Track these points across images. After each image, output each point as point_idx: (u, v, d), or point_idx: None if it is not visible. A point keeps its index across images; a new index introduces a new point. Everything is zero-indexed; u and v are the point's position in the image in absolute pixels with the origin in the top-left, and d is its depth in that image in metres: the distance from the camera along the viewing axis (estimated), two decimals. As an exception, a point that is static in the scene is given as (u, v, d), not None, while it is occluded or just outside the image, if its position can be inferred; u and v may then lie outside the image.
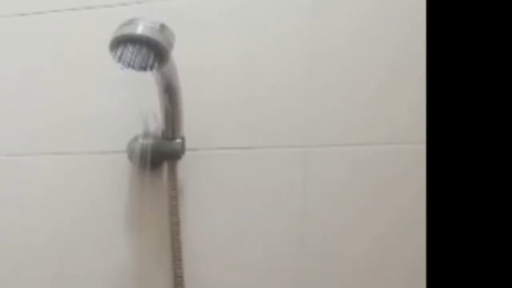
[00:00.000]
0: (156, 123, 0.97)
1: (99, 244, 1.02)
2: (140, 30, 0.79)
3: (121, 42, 0.79)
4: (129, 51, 0.79)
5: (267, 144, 0.96)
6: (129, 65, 0.80)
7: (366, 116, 0.93)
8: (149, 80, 0.88)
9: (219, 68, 0.98)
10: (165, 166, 0.99)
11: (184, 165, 0.98)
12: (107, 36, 0.80)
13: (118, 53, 0.79)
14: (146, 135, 0.97)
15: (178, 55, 0.85)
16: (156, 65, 0.81)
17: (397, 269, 0.93)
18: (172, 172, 0.97)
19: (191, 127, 0.97)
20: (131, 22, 0.81)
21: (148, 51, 0.79)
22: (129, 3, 1.00)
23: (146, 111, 0.97)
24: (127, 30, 0.79)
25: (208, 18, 0.98)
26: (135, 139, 0.97)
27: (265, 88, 0.96)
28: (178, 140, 0.95)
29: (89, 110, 1.02)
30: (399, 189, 0.92)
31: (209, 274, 0.99)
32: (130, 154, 0.97)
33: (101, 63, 0.85)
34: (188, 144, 0.96)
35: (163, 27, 0.81)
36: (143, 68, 0.80)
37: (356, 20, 0.93)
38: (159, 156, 0.97)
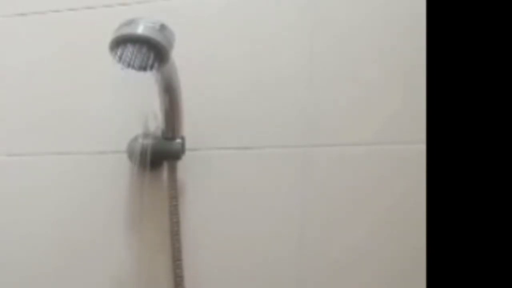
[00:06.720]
0: (156, 123, 0.97)
1: (99, 244, 1.02)
2: (140, 30, 0.79)
3: (121, 42, 0.79)
4: (129, 51, 0.79)
5: (267, 144, 0.97)
6: (129, 65, 0.80)
7: (366, 116, 0.93)
8: (149, 80, 0.88)
9: (219, 68, 0.98)
10: (165, 166, 0.99)
11: (184, 165, 0.98)
12: (107, 36, 0.80)
13: (118, 53, 0.79)
14: (146, 135, 0.97)
15: (178, 55, 0.85)
16: (156, 65, 0.80)
17: (398, 270, 0.93)
18: (172, 172, 0.97)
19: (191, 127, 0.97)
20: (131, 22, 0.81)
21: (148, 51, 0.79)
22: (129, 3, 1.00)
23: (146, 111, 0.97)
24: (127, 30, 0.79)
25: (208, 18, 0.98)
26: (135, 139, 0.97)
27: (265, 88, 0.96)
28: (178, 140, 0.95)
29: (89, 110, 1.02)
30: (399, 189, 0.92)
31: (209, 274, 0.99)
32: (130, 154, 0.97)
33: (101, 63, 0.85)
34: (188, 144, 0.96)
35: (163, 27, 0.81)
36: (143, 68, 0.80)
37: (356, 19, 0.93)
38: (159, 156, 0.97)
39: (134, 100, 0.95)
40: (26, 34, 1.05)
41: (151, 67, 0.80)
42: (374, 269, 0.93)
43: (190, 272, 0.98)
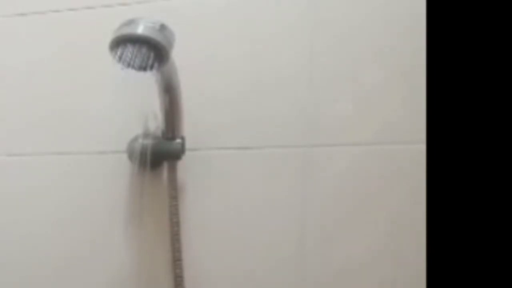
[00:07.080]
0: (156, 123, 0.97)
1: (99, 244, 1.02)
2: (140, 30, 0.79)
3: (121, 42, 0.79)
4: (129, 51, 0.79)
5: (267, 144, 0.97)
6: (129, 65, 0.80)
7: (367, 116, 0.93)
8: (149, 80, 0.88)
9: (219, 68, 0.98)
10: (165, 166, 0.99)
11: (184, 165, 0.98)
12: (107, 36, 0.80)
13: (118, 53, 0.79)
14: (146, 135, 0.97)
15: (178, 55, 0.85)
16: (156, 65, 0.81)
17: (398, 269, 0.93)
18: (172, 172, 0.97)
19: (191, 127, 0.97)
20: (131, 22, 0.81)
21: (148, 51, 0.79)
22: (129, 3, 1.00)
23: (146, 111, 0.97)
24: (127, 30, 0.79)
25: (208, 18, 0.98)
26: (135, 139, 0.97)
27: (265, 88, 0.96)
28: (178, 140, 0.95)
29: (89, 110, 1.02)
30: (399, 189, 0.92)
31: (209, 274, 0.99)
32: (130, 154, 0.97)
33: (101, 63, 0.85)
34: (188, 144, 0.96)
35: (163, 27, 0.81)
36: (143, 68, 0.80)
37: (356, 19, 0.94)
38: (159, 156, 0.97)
39: (134, 100, 0.95)
40: (26, 34, 1.05)
41: (151, 67, 0.80)
42: (374, 269, 0.93)
43: (190, 272, 0.98)
